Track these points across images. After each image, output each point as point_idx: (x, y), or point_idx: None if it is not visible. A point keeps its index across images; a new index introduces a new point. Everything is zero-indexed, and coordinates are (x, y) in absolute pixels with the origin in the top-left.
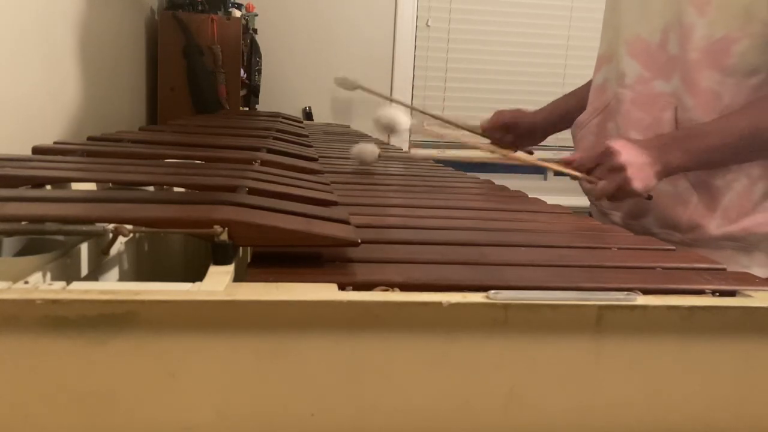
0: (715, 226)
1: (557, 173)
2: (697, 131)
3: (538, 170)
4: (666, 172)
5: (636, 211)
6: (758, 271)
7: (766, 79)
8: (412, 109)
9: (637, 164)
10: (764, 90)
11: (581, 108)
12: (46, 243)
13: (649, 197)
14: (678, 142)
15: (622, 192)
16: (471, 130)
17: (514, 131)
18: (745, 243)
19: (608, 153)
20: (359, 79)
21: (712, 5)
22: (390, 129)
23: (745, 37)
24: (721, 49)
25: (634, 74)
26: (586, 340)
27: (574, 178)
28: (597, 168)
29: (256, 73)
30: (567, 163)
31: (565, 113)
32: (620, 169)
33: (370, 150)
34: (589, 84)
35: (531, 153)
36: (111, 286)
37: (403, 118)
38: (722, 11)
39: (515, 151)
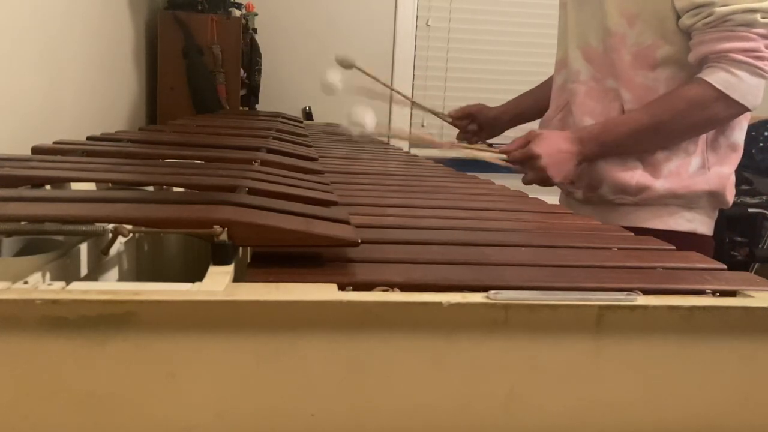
0: (659, 185)
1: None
2: (608, 125)
3: None
4: (585, 161)
5: (592, 184)
6: (701, 224)
7: (694, 73)
8: (413, 102)
9: (555, 162)
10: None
11: (536, 106)
12: (46, 243)
13: (572, 182)
14: (594, 136)
15: (545, 183)
16: (438, 114)
17: (478, 121)
18: (687, 200)
19: (531, 156)
20: (358, 80)
21: (639, 18)
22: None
23: (666, 43)
24: (649, 54)
25: (588, 74)
26: (586, 340)
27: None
28: (525, 163)
29: (256, 73)
30: (505, 152)
31: (521, 111)
32: (541, 169)
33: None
34: (544, 83)
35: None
36: (110, 287)
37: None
38: (647, 24)
39: (476, 142)
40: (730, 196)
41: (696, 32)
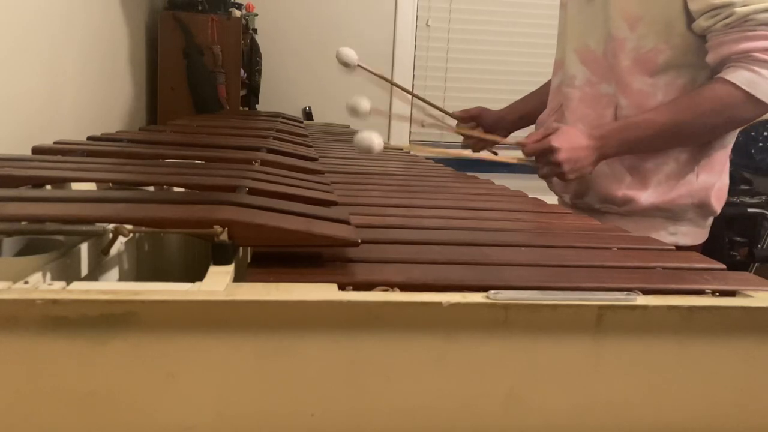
0: (644, 198)
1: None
2: (630, 124)
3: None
4: (602, 159)
5: (580, 191)
6: (684, 236)
7: (693, 78)
8: (412, 95)
9: (574, 159)
10: (691, 87)
11: (541, 108)
12: (46, 243)
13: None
14: (615, 133)
15: (561, 178)
16: (442, 110)
17: (482, 122)
18: (671, 213)
19: (550, 150)
20: (359, 78)
21: (641, 22)
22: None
23: (668, 48)
24: (649, 58)
25: (584, 78)
26: (586, 340)
27: (526, 159)
28: (541, 157)
29: (256, 73)
30: (521, 144)
31: (525, 113)
32: (558, 164)
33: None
34: (547, 84)
35: (496, 153)
36: (111, 286)
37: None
38: (649, 27)
39: (481, 149)
40: (718, 203)
41: (714, 34)
